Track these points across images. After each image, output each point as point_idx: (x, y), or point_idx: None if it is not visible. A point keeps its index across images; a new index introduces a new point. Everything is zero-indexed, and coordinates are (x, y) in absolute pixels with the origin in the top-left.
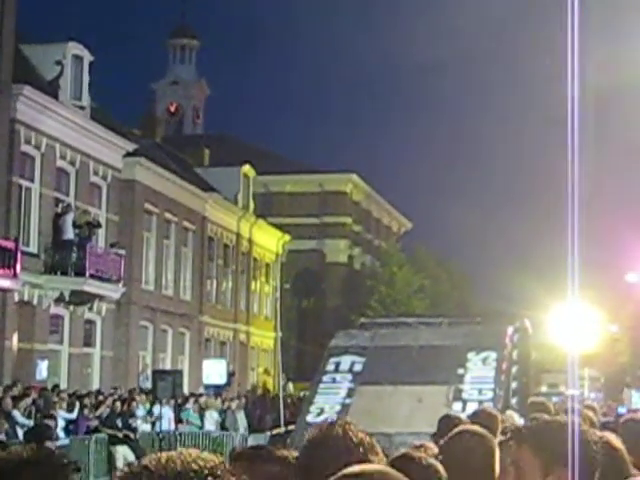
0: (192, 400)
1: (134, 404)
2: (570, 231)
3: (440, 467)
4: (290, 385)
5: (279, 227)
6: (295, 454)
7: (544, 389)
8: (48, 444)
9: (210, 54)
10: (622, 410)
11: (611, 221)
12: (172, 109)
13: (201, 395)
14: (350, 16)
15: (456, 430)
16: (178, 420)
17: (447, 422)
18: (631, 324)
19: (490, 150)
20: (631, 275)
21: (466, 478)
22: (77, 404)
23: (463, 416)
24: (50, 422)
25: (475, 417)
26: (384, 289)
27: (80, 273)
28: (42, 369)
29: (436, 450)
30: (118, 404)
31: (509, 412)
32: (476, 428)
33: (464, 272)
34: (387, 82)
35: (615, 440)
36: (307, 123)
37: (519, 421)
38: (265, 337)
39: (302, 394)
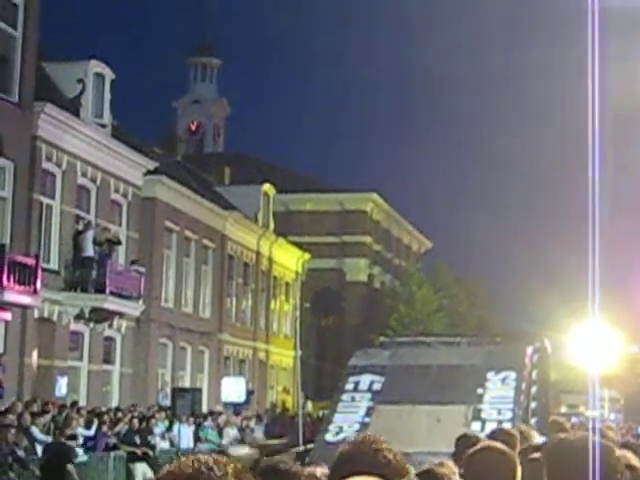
0: (211, 418)
1: (153, 421)
2: (591, 250)
3: None
4: (309, 404)
5: (299, 246)
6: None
7: (564, 409)
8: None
9: (231, 72)
10: None
11: (632, 241)
12: (193, 127)
13: (220, 413)
14: (366, 34)
15: (479, 446)
16: (197, 438)
17: (465, 441)
18: None
19: (510, 166)
20: None
21: None
22: (95, 421)
23: (482, 435)
24: (72, 442)
25: (494, 436)
26: (404, 308)
27: (100, 290)
28: (62, 386)
29: (455, 469)
30: (136, 421)
31: (530, 430)
32: (498, 445)
33: (484, 291)
34: (406, 98)
35: (634, 458)
36: (327, 141)
37: (539, 440)
38: (284, 355)
39: (321, 413)
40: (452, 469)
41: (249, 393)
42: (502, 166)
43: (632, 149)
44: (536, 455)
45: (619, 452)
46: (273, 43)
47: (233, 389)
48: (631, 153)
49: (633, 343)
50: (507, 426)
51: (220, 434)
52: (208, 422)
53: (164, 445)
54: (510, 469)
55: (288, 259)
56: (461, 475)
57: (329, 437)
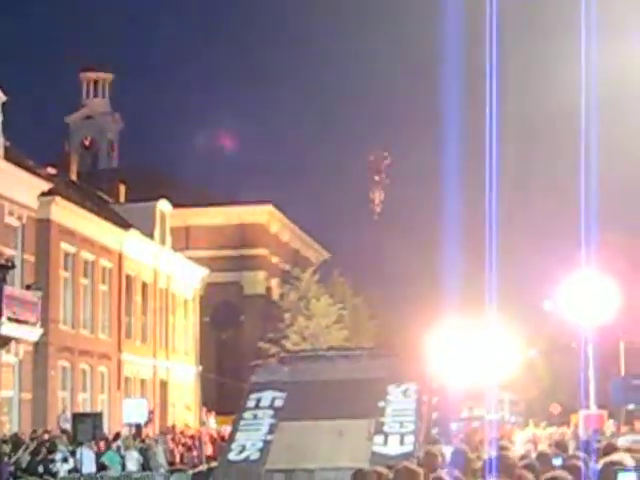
0: (113, 441)
1: (54, 448)
2: (488, 257)
3: None
4: (212, 419)
5: (197, 260)
6: None
7: (465, 414)
8: None
9: (124, 87)
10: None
11: (529, 249)
12: (87, 143)
13: (120, 435)
14: (259, 44)
15: None
16: (99, 462)
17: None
18: (548, 349)
19: (408, 175)
20: (547, 303)
21: None
22: None
23: (384, 471)
24: None
25: (398, 475)
26: (302, 320)
27: None
28: None
29: None
30: (38, 449)
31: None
32: None
33: (382, 299)
34: (299, 109)
35: None
36: (221, 152)
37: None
38: (185, 372)
39: (223, 428)
40: None
41: (150, 412)
42: (401, 180)
43: (532, 163)
44: None
45: None
46: (165, 54)
47: (134, 410)
48: (531, 168)
49: (531, 347)
50: (409, 438)
51: (123, 456)
52: (110, 445)
53: (66, 471)
54: None
55: (186, 275)
56: None
57: (232, 456)
